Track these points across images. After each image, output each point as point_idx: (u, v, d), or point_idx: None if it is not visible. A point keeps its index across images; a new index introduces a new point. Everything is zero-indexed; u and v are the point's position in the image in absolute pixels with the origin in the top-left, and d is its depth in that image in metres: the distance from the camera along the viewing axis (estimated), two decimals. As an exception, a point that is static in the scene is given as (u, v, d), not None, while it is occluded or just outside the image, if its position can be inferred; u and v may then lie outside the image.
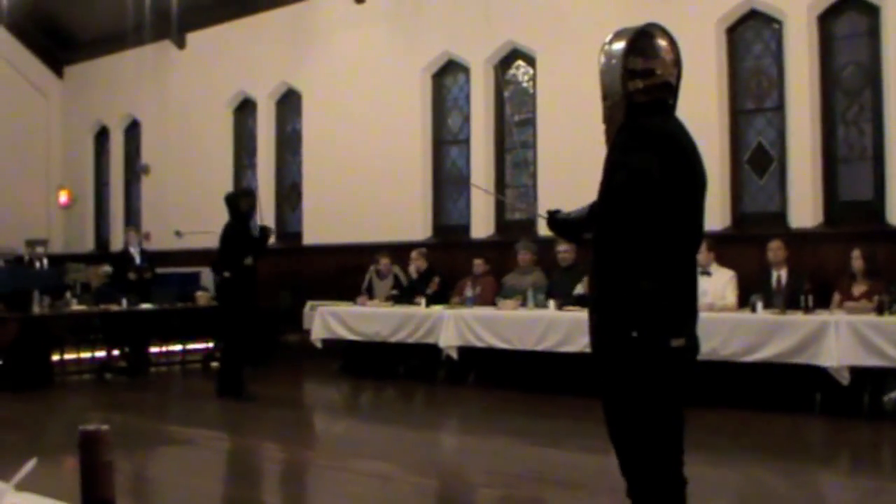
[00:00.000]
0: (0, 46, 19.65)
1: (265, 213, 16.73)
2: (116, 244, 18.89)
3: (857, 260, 9.73)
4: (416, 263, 13.10)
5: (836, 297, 9.85)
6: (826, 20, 11.14)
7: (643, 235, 3.61)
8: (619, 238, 3.69)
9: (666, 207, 3.64)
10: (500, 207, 13.83)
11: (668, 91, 3.86)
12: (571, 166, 12.57)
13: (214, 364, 13.98)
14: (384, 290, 13.15)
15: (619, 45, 3.83)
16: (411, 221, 14.36)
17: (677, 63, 3.90)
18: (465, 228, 14.06)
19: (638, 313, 3.62)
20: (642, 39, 3.83)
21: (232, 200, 11.01)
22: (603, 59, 3.91)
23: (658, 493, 3.84)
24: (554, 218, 4.26)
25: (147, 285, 14.10)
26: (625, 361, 3.69)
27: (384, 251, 13.46)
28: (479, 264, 12.64)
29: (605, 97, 3.91)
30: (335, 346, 12.82)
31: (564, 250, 11.56)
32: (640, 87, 3.78)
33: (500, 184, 13.88)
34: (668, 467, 3.87)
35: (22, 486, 2.26)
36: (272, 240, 11.95)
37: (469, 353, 11.49)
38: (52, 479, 3.38)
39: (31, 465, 2.25)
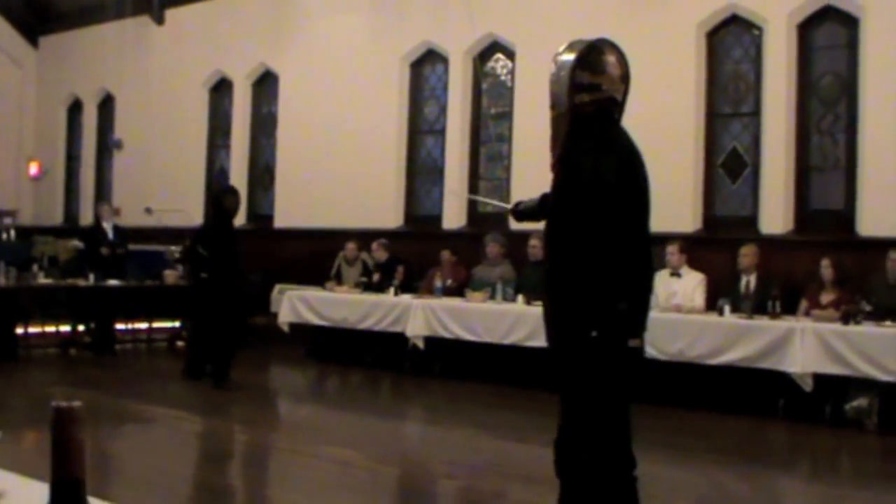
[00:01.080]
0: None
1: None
2: (86, 218, 18.76)
3: (826, 268, 9.80)
4: (377, 254, 13.07)
5: (804, 304, 9.91)
6: (806, 29, 11.20)
7: (601, 237, 3.71)
8: (577, 240, 3.76)
9: (620, 209, 3.76)
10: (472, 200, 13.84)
11: (613, 105, 3.92)
12: (545, 161, 12.57)
13: (180, 343, 13.96)
14: (353, 277, 13.15)
15: (569, 58, 3.88)
16: (383, 209, 14.35)
17: (624, 79, 3.96)
18: (437, 218, 14.05)
19: (598, 314, 3.70)
20: (591, 54, 3.91)
21: (216, 197, 11.08)
22: (553, 69, 3.97)
23: (609, 489, 3.82)
24: (515, 209, 4.39)
25: (120, 261, 13.99)
26: (584, 360, 3.75)
27: (353, 237, 13.45)
28: (446, 255, 12.64)
29: (552, 106, 3.97)
30: (302, 331, 12.80)
31: (534, 245, 11.57)
32: (586, 100, 3.86)
33: (474, 176, 13.88)
34: (619, 463, 3.84)
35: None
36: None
37: (436, 344, 11.50)
38: (15, 455, 3.37)
39: (-3, 438, 2.24)
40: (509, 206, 4.48)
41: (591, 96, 3.85)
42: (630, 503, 3.89)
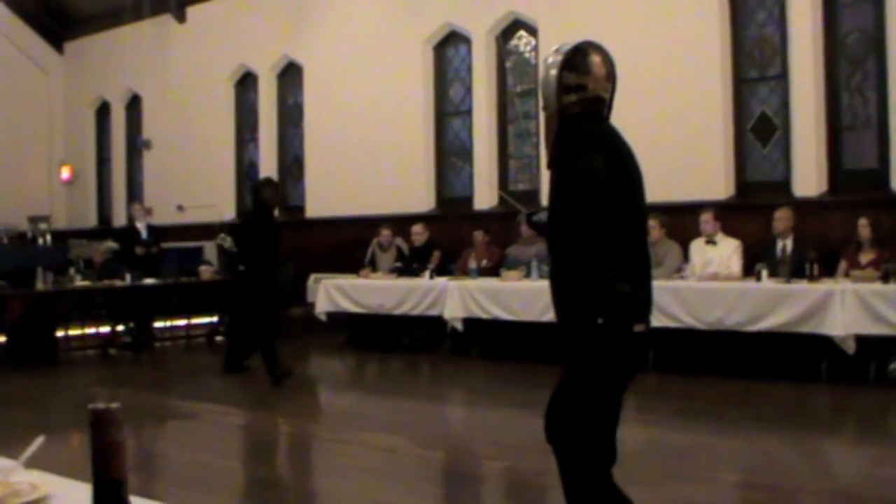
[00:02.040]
0: (1, 24, 19.56)
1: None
2: (119, 220, 18.90)
3: (864, 228, 9.70)
4: (416, 237, 13.10)
5: (843, 265, 9.83)
6: (830, -13, 11.08)
7: (601, 229, 3.84)
8: (578, 233, 3.90)
9: (616, 202, 3.88)
10: (502, 179, 13.80)
11: (600, 104, 4.06)
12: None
13: (218, 338, 14.02)
14: (387, 263, 13.15)
15: (555, 60, 4.05)
16: (414, 193, 14.34)
17: (610, 77, 4.07)
18: (468, 200, 14.03)
19: (604, 302, 3.84)
20: (576, 56, 4.05)
21: (255, 190, 10.95)
22: (542, 73, 4.13)
23: (594, 464, 3.96)
24: (531, 220, 4.52)
25: (155, 260, 14.08)
26: (591, 345, 3.93)
27: (387, 223, 13.45)
28: (479, 236, 12.64)
29: (544, 108, 4.12)
30: (340, 319, 12.83)
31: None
32: (574, 100, 3.98)
33: (503, 155, 13.84)
34: (605, 439, 3.98)
35: (30, 464, 2.26)
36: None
37: (473, 325, 11.50)
38: (59, 457, 3.38)
39: (38, 442, 2.25)
40: (525, 212, 4.62)
41: (578, 96, 3.98)
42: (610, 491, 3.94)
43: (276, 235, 10.52)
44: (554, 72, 4.04)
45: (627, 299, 3.85)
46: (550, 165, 4.15)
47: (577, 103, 3.99)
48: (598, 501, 3.94)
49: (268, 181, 11.06)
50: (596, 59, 4.09)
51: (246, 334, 10.66)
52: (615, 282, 3.80)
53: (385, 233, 13.36)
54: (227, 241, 11.13)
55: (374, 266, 13.20)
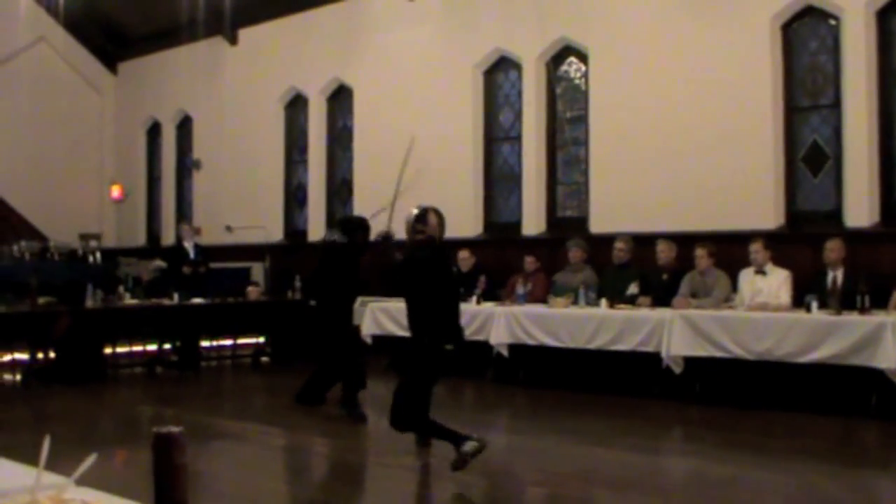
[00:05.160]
0: (57, 45, 19.86)
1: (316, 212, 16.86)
2: (168, 239, 19.06)
3: (918, 259, 9.59)
4: (464, 262, 13.10)
5: (895, 297, 9.70)
6: (885, 16, 10.97)
7: (427, 298, 7.27)
8: (419, 299, 7.33)
9: (434, 283, 7.29)
10: (551, 205, 13.76)
11: (432, 239, 7.38)
12: (623, 163, 12.51)
13: (265, 359, 14.07)
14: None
15: (412, 216, 7.51)
16: (462, 218, 14.30)
17: (440, 225, 7.50)
18: (517, 226, 14.01)
19: (428, 329, 7.16)
20: (423, 215, 7.46)
21: (349, 229, 10.20)
22: (406, 219, 7.56)
23: (418, 408, 7.04)
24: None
25: (201, 279, 14.17)
26: (421, 354, 7.15)
27: (435, 248, 13.43)
28: (530, 262, 12.61)
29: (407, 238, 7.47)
30: (385, 342, 12.83)
31: (620, 248, 11.52)
32: (420, 238, 7.35)
33: (552, 181, 13.82)
34: (425, 407, 7.06)
35: (82, 481, 2.27)
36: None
37: (518, 351, 11.46)
38: (109, 474, 3.40)
39: (91, 460, 2.26)
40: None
41: (421, 237, 7.38)
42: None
43: (357, 276, 10.09)
44: (409, 223, 7.46)
45: (439, 329, 7.16)
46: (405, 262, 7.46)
47: (423, 239, 7.35)
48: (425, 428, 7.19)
49: (362, 223, 10.31)
50: (433, 216, 7.46)
51: (330, 370, 10.14)
52: (433, 321, 7.18)
53: (433, 257, 13.32)
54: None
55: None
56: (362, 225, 10.23)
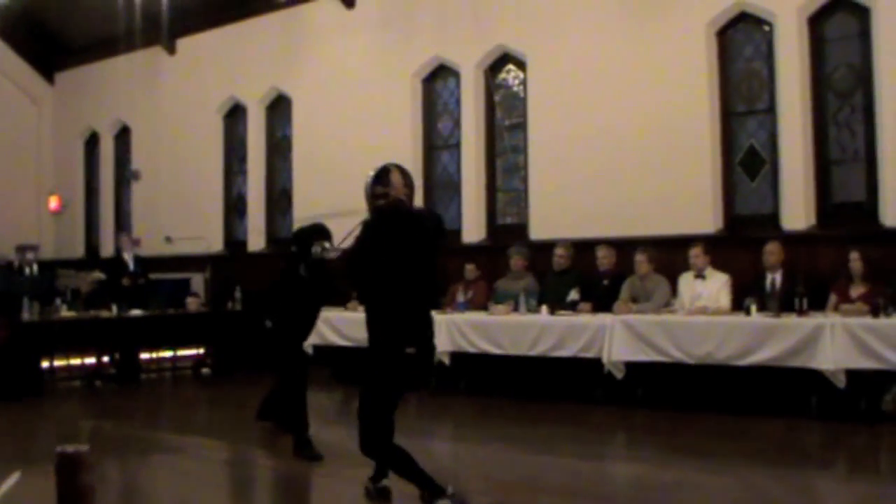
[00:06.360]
0: (-8, 54, 19.57)
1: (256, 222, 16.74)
2: (107, 250, 18.82)
3: (855, 262, 9.70)
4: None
5: (833, 299, 9.80)
6: (816, 22, 11.11)
7: (382, 284, 6.01)
8: (369, 288, 6.15)
9: (393, 266, 5.99)
10: (491, 212, 13.77)
11: (400, 202, 6.10)
12: (562, 170, 12.54)
13: (205, 370, 13.93)
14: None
15: (369, 177, 6.22)
16: (403, 226, 14.26)
17: (407, 185, 6.16)
18: (457, 233, 13.98)
19: (388, 333, 5.97)
20: (383, 174, 6.18)
21: (301, 238, 9.01)
22: (364, 185, 6.24)
23: (382, 428, 6.09)
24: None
25: (141, 291, 14.00)
26: (382, 357, 5.99)
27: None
28: (470, 269, 12.60)
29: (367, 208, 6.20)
30: (327, 353, 12.74)
31: (560, 254, 11.55)
32: (381, 203, 6.10)
33: (492, 188, 13.82)
34: (389, 414, 6.09)
35: (5, 501, 2.20)
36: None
37: (460, 360, 11.43)
38: (37, 493, 3.32)
39: (14, 478, 2.20)
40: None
41: (385, 200, 6.10)
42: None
43: (321, 289, 9.16)
44: (368, 185, 6.19)
45: (400, 333, 5.94)
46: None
47: (388, 204, 6.08)
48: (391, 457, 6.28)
49: (315, 230, 9.03)
50: (396, 177, 6.13)
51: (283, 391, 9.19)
52: (394, 323, 5.95)
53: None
54: (329, 251, 9.42)
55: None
56: (319, 231, 8.95)
